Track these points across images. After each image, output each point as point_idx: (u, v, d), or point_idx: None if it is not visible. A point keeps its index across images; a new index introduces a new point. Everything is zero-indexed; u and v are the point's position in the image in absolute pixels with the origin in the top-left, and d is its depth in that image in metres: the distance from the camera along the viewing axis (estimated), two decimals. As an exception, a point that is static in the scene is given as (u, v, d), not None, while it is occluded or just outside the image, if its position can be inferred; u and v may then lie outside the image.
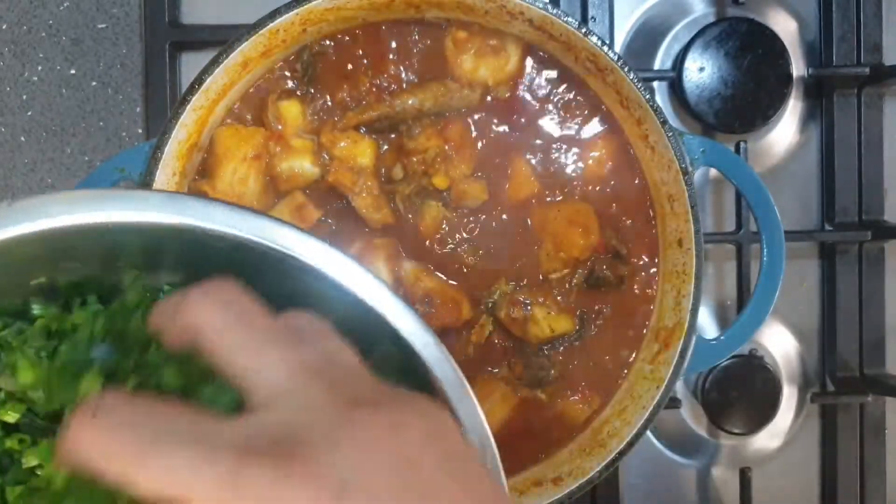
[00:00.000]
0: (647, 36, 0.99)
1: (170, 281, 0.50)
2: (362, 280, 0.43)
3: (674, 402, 0.95)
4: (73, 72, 0.97)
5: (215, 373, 0.36)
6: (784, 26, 0.98)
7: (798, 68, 0.97)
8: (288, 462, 0.31)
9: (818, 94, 0.99)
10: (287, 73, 0.82)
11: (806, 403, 1.00)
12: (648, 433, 0.90)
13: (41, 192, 0.94)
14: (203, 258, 0.44)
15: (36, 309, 0.48)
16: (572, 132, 0.82)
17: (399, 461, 0.34)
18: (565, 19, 0.76)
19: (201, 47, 0.95)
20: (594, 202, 0.83)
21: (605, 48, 0.76)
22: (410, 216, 0.82)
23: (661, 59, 0.98)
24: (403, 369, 0.44)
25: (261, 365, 0.35)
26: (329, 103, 0.82)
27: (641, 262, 0.82)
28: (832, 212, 0.99)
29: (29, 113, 0.97)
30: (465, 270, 0.82)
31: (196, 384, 0.39)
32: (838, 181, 0.98)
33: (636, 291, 0.83)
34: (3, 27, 0.97)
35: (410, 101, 0.81)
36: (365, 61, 0.82)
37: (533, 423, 0.82)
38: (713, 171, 0.98)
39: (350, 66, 0.82)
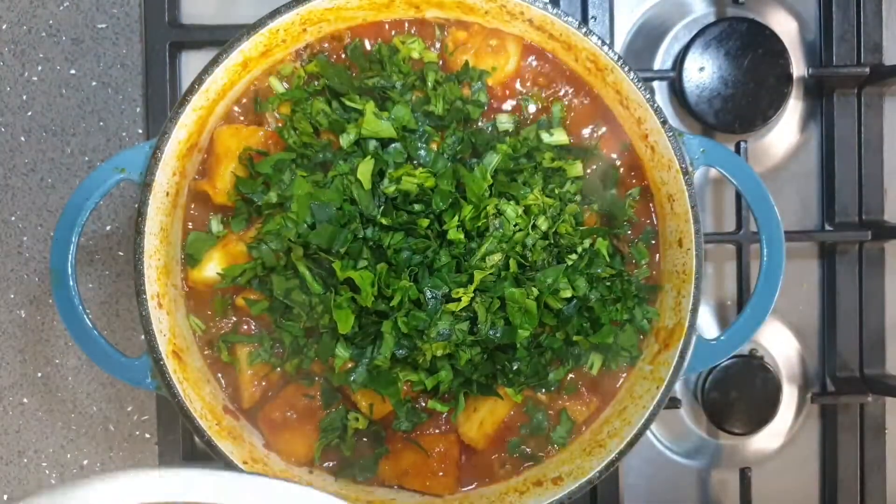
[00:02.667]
0: (648, 36, 0.99)
1: None
2: None
3: (674, 403, 0.95)
4: (73, 72, 0.98)
5: None
6: (784, 26, 0.98)
7: (798, 68, 0.98)
8: None
9: (818, 94, 0.99)
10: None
11: (806, 403, 1.01)
12: (648, 433, 0.90)
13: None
14: None
15: None
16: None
17: None
18: (565, 19, 0.76)
19: (201, 47, 0.96)
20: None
21: (605, 48, 0.76)
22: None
23: (662, 59, 0.98)
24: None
25: None
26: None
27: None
28: (832, 212, 0.99)
29: (29, 113, 0.97)
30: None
31: None
32: (838, 181, 0.98)
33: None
34: (3, 27, 0.97)
35: (410, 101, 0.81)
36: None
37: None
38: (713, 172, 0.98)
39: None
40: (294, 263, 0.77)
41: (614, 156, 0.83)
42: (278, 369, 0.82)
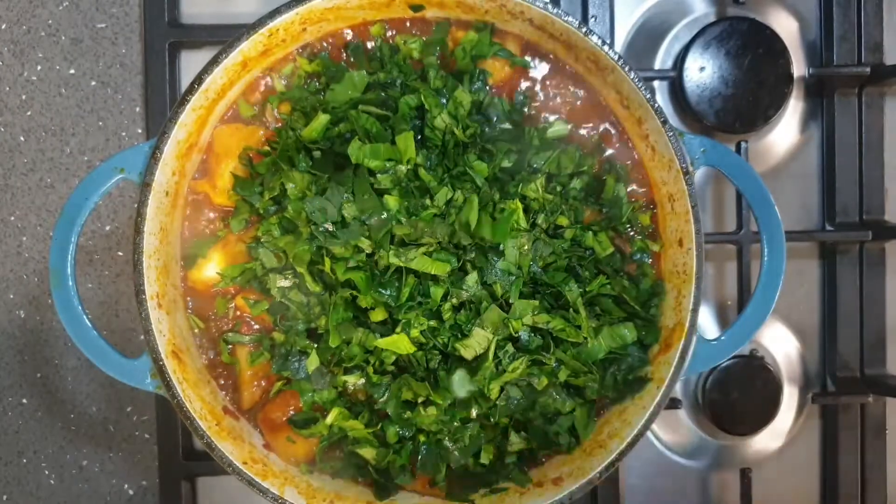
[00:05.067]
0: (648, 35, 0.99)
1: None
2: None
3: (674, 403, 0.95)
4: (72, 71, 0.97)
5: None
6: (785, 26, 0.98)
7: (799, 68, 0.97)
8: None
9: (819, 94, 0.99)
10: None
11: (807, 404, 1.00)
12: (649, 434, 0.90)
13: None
14: None
15: None
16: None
17: None
18: (565, 19, 0.76)
19: (201, 47, 0.96)
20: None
21: (606, 48, 0.76)
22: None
23: (662, 59, 0.98)
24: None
25: None
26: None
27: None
28: (833, 212, 0.99)
29: (28, 112, 0.97)
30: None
31: None
32: (839, 181, 0.98)
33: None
34: (3, 27, 0.97)
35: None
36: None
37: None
38: (714, 172, 0.98)
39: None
40: (292, 264, 0.77)
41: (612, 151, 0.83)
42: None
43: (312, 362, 0.77)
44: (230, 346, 0.81)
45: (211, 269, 0.81)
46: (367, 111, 0.76)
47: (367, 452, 0.80)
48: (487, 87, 0.80)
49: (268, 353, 0.80)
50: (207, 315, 0.82)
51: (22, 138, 0.97)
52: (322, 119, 0.76)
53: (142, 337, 0.76)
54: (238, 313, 0.82)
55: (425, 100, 0.76)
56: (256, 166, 0.79)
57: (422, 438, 0.78)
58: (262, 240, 0.78)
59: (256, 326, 0.82)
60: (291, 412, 0.81)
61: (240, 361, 0.81)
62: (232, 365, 0.82)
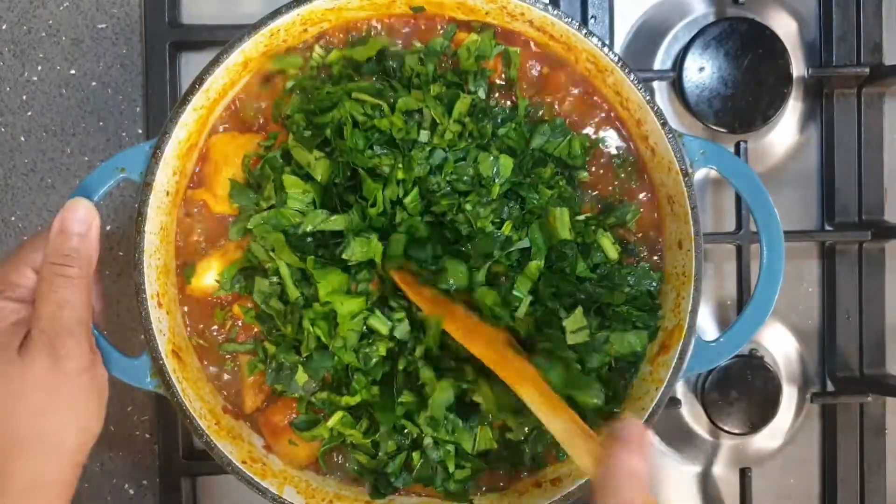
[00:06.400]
0: (648, 36, 0.99)
1: None
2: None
3: (674, 402, 0.95)
4: (72, 72, 0.98)
5: None
6: (784, 26, 0.98)
7: (798, 68, 0.97)
8: None
9: (818, 94, 0.99)
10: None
11: (806, 403, 1.01)
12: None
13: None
14: None
15: None
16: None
17: None
18: (565, 20, 0.76)
19: (201, 47, 0.96)
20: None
21: (605, 49, 0.76)
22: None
23: (661, 59, 0.98)
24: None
25: None
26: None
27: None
28: (832, 212, 0.99)
29: (29, 113, 0.97)
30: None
31: None
32: (838, 181, 0.98)
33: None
34: (3, 27, 0.97)
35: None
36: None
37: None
38: (713, 172, 0.98)
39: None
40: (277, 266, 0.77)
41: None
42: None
43: (301, 378, 0.77)
44: (232, 356, 0.82)
45: (210, 277, 0.80)
46: (360, 98, 0.76)
47: (362, 458, 0.80)
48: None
49: (262, 365, 0.80)
50: (206, 323, 0.82)
51: (22, 139, 0.97)
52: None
53: (142, 336, 0.77)
54: (237, 322, 0.82)
55: (433, 111, 0.76)
56: (254, 172, 0.79)
57: (416, 457, 0.79)
58: (256, 235, 0.78)
59: (252, 334, 0.82)
60: (293, 416, 0.81)
61: (241, 367, 0.81)
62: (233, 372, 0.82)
